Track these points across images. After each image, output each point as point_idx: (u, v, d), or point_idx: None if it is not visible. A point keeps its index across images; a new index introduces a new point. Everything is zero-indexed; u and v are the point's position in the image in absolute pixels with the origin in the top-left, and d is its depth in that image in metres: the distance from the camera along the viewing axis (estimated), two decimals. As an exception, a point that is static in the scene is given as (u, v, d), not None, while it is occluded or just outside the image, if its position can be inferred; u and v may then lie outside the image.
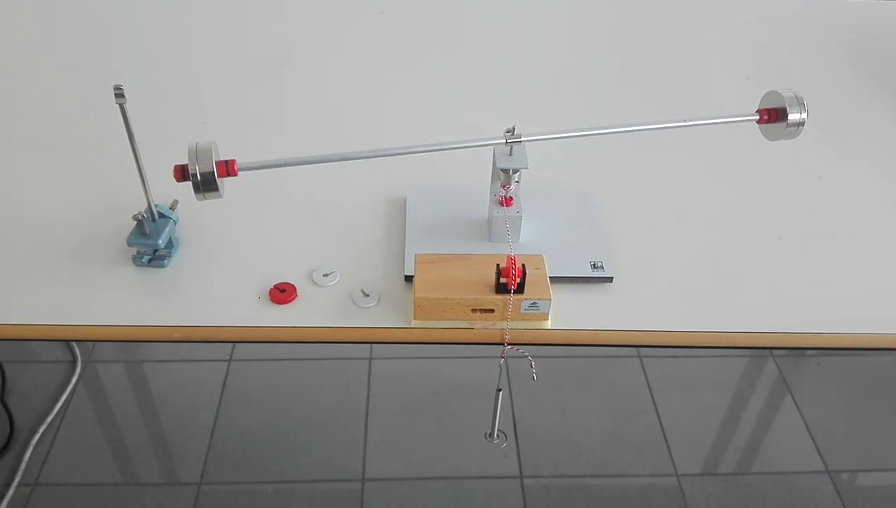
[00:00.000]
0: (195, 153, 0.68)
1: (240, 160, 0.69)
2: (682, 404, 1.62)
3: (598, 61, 1.19)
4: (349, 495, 1.43)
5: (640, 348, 1.71)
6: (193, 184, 0.68)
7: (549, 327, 0.71)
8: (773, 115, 0.76)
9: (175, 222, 0.78)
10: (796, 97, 0.74)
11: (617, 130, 0.74)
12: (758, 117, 0.77)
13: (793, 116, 0.74)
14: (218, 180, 0.67)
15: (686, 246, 0.82)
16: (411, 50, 1.19)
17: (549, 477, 1.47)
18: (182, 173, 0.68)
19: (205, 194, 0.68)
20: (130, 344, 1.74)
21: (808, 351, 1.76)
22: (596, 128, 0.74)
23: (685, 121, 0.74)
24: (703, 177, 0.93)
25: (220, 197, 0.69)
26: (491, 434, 0.78)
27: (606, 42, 1.24)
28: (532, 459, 1.50)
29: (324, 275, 0.76)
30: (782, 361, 1.74)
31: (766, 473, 1.49)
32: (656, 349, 1.67)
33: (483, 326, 0.70)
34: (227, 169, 0.69)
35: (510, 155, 0.75)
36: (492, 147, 0.74)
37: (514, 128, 0.72)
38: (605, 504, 1.43)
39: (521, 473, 1.48)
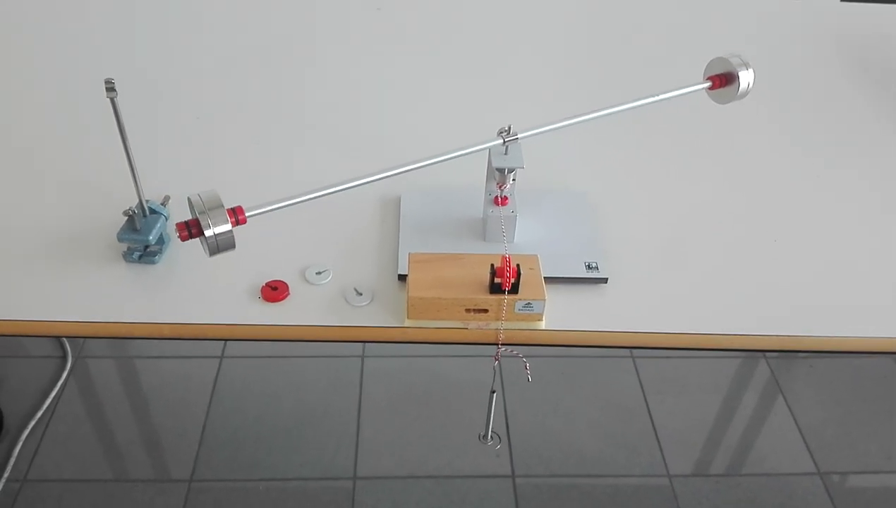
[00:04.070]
0: (202, 204, 0.57)
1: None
2: (674, 405, 1.62)
3: (591, 62, 1.18)
4: (340, 493, 1.42)
5: (633, 349, 1.71)
6: (210, 246, 0.58)
7: (544, 327, 0.70)
8: (723, 80, 0.78)
9: (166, 218, 0.77)
10: (741, 59, 0.76)
11: (598, 114, 0.74)
12: (710, 84, 0.77)
13: (743, 76, 0.76)
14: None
15: (681, 247, 0.82)
16: (405, 44, 1.18)
17: (540, 477, 1.47)
18: (188, 230, 0.58)
19: (221, 251, 0.59)
20: (121, 341, 1.73)
21: (801, 354, 1.76)
22: (581, 115, 0.74)
23: (654, 96, 0.75)
24: (699, 179, 0.93)
25: (234, 248, 0.61)
26: (485, 436, 0.77)
27: (598, 40, 1.24)
28: (524, 459, 1.50)
29: (317, 274, 0.75)
30: (774, 363, 1.74)
31: (757, 474, 1.49)
32: (649, 349, 1.67)
33: (477, 326, 0.70)
34: (237, 218, 0.60)
35: (506, 154, 0.74)
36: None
37: (509, 127, 0.71)
38: (596, 504, 1.43)
39: (513, 472, 1.47)
